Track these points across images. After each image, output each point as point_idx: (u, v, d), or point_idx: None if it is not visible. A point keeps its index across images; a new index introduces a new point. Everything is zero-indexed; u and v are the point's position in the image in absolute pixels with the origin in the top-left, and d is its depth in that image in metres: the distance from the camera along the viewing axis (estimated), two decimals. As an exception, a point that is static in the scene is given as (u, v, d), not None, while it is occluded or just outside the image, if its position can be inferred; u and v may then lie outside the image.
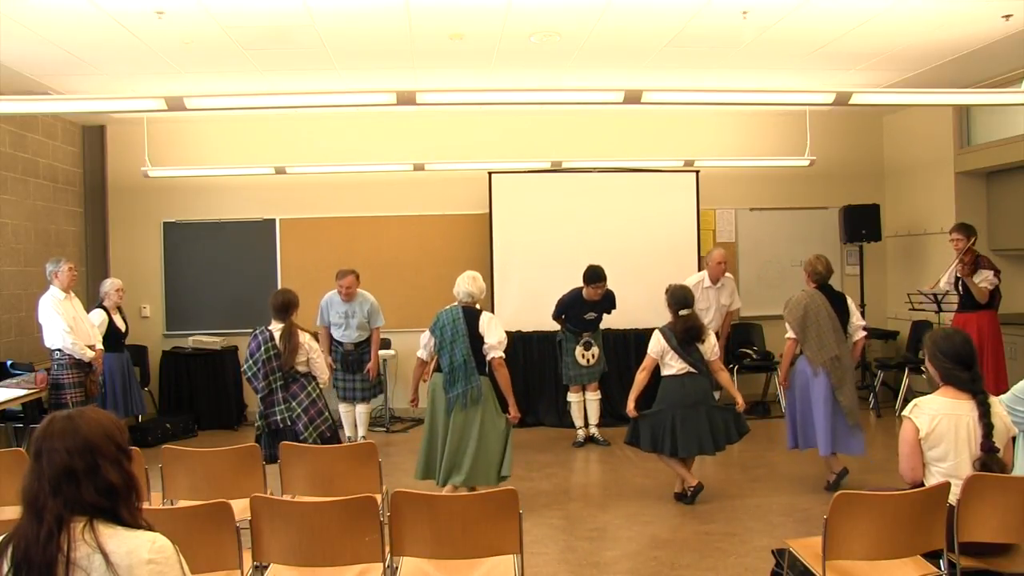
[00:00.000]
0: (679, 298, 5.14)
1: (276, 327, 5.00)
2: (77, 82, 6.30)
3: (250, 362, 4.97)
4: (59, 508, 1.70)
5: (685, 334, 5.07)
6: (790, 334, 5.39)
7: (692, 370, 5.09)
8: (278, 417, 4.93)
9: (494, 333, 4.88)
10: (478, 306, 5.02)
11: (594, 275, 6.57)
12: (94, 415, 1.82)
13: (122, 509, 1.75)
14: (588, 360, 6.78)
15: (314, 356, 5.05)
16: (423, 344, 5.03)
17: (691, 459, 5.25)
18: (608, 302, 6.77)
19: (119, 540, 1.72)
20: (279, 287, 7.97)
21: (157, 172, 7.53)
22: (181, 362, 7.90)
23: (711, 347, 5.16)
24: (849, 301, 5.46)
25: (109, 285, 6.79)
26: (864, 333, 5.48)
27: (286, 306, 5.02)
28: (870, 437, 7.17)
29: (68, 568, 1.67)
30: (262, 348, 4.95)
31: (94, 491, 1.72)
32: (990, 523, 2.92)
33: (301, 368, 5.00)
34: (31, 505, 1.73)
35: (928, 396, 3.18)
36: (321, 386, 5.12)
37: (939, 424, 3.06)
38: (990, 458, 3.02)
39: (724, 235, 8.45)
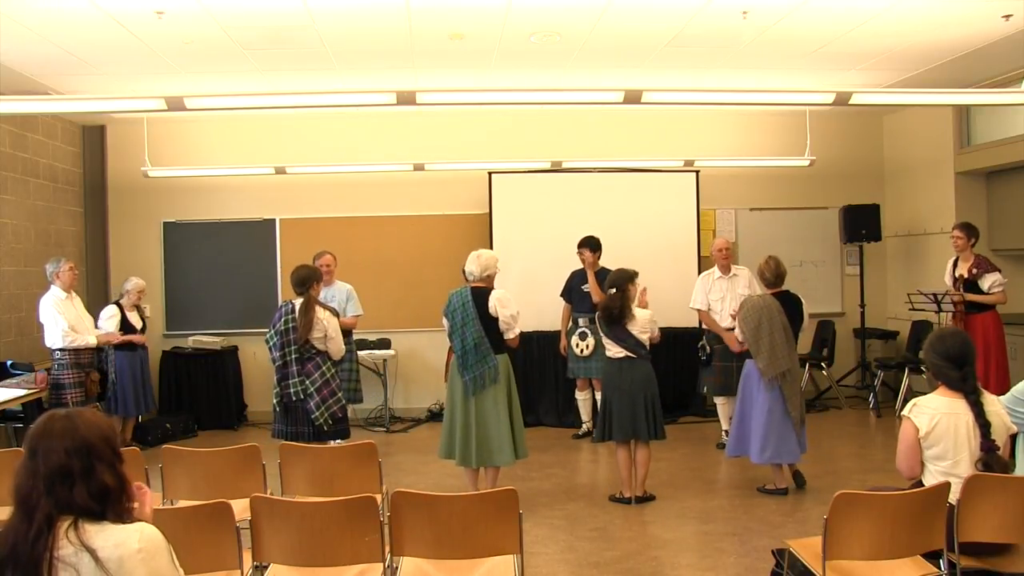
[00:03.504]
0: (609, 280, 5.19)
1: (298, 301, 5.05)
2: (77, 82, 6.30)
3: (271, 332, 5.06)
4: (50, 508, 1.70)
5: (603, 312, 5.11)
6: (739, 338, 5.41)
7: (630, 355, 5.09)
8: (292, 390, 4.95)
9: (506, 310, 4.81)
10: (492, 284, 4.95)
11: (582, 240, 6.89)
12: (92, 416, 1.82)
13: (110, 513, 1.75)
14: (583, 350, 6.82)
15: (331, 333, 5.05)
16: (446, 327, 5.02)
17: (638, 465, 5.17)
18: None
19: (107, 535, 1.71)
20: (279, 287, 8.04)
21: (157, 172, 7.53)
22: (181, 362, 7.90)
23: (639, 327, 5.09)
24: (804, 304, 5.38)
25: (132, 285, 6.79)
26: (801, 336, 5.43)
27: (303, 281, 5.06)
28: (869, 437, 7.21)
29: (53, 565, 1.66)
30: (282, 319, 5.01)
31: (87, 494, 1.72)
32: (990, 523, 2.92)
33: (318, 344, 5.02)
34: (23, 503, 1.72)
35: (927, 396, 3.18)
36: (332, 357, 5.11)
37: (939, 423, 3.07)
38: (991, 457, 3.02)
39: (724, 235, 8.41)
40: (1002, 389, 4.34)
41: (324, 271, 6.43)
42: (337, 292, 6.57)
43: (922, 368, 6.71)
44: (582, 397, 7.10)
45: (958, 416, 3.07)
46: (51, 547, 1.66)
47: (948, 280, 6.44)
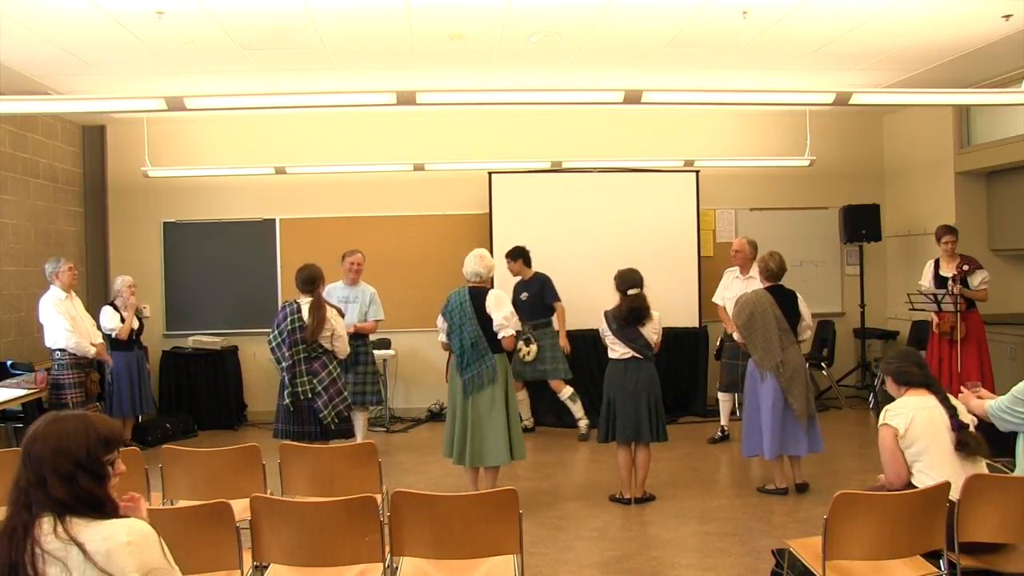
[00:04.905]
0: (626, 279, 5.13)
1: (304, 300, 5.04)
2: (77, 82, 6.29)
3: (275, 332, 5.04)
4: (24, 509, 1.74)
5: (630, 314, 5.06)
6: (737, 336, 5.43)
7: (637, 355, 5.08)
8: (300, 389, 4.95)
9: (501, 309, 4.82)
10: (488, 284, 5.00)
11: (509, 250, 7.08)
12: (67, 426, 1.80)
13: (85, 514, 1.76)
14: (525, 356, 6.91)
15: (339, 332, 5.07)
16: (440, 328, 5.04)
17: (639, 467, 5.17)
18: (537, 285, 6.95)
19: (95, 529, 1.73)
20: (279, 287, 8.04)
21: (157, 172, 7.53)
22: (181, 362, 7.90)
23: (653, 327, 5.11)
24: (800, 301, 5.32)
25: (120, 283, 6.76)
26: (810, 334, 5.43)
27: (313, 279, 5.07)
28: (869, 437, 7.18)
29: (42, 560, 1.68)
30: (288, 319, 5.00)
31: (48, 500, 1.74)
32: (990, 523, 2.92)
33: (325, 344, 5.02)
34: (8, 503, 1.78)
35: (897, 401, 3.33)
36: (339, 356, 5.13)
37: (915, 419, 3.20)
38: (964, 434, 3.17)
39: (724, 235, 8.44)
40: (985, 380, 4.39)
41: (353, 269, 6.46)
42: (361, 293, 6.56)
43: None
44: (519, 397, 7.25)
45: (931, 409, 3.23)
46: (34, 543, 1.69)
47: (929, 281, 6.51)
